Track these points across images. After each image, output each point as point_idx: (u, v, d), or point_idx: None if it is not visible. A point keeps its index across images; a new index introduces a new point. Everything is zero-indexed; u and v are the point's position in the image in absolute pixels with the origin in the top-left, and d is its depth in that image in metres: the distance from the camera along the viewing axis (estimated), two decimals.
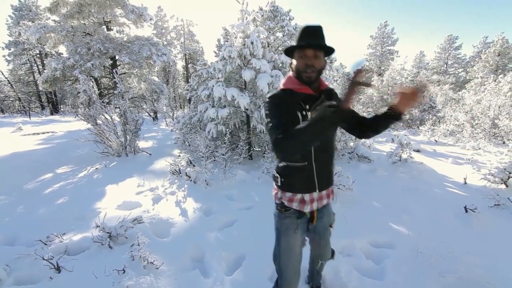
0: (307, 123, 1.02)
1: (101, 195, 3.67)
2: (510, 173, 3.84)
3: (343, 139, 5.72)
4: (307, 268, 1.88)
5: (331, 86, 1.33)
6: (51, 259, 2.01)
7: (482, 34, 37.18)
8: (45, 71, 13.93)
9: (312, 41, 1.13)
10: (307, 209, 1.31)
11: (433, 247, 2.22)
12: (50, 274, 1.96)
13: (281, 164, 1.32)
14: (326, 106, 0.98)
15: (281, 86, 1.26)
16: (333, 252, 1.74)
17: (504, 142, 8.09)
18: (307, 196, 1.29)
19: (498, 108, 9.25)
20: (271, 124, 1.14)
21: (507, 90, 16.92)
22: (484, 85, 19.53)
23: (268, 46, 5.95)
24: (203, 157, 4.39)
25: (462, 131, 9.25)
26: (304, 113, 1.17)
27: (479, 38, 32.62)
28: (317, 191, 1.29)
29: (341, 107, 0.96)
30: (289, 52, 1.22)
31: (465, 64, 31.30)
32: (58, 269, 1.98)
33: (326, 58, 1.24)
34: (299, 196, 1.30)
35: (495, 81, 18.14)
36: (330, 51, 1.18)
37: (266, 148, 5.45)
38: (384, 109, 1.18)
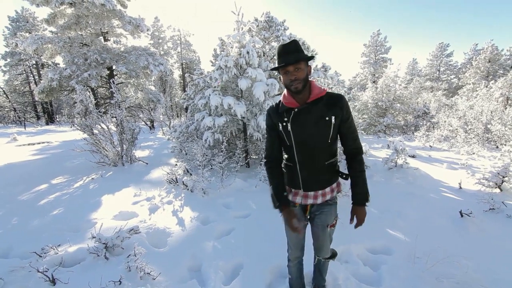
0: (270, 182, 1.50)
1: (97, 206, 3.64)
2: (503, 177, 3.89)
3: (339, 145, 5.75)
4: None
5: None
6: (46, 271, 1.98)
7: (472, 42, 38.11)
8: (41, 81, 13.95)
9: (289, 58, 1.27)
10: (299, 201, 1.51)
11: (430, 252, 2.23)
12: (45, 286, 1.93)
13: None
14: (276, 203, 1.45)
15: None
16: (334, 254, 1.77)
17: (497, 147, 8.21)
18: (293, 190, 1.53)
19: (490, 113, 9.42)
20: (266, 142, 1.55)
21: (499, 95, 17.28)
22: (476, 91, 19.93)
23: (263, 56, 6.05)
24: (200, 165, 4.39)
25: (456, 136, 9.37)
26: (284, 124, 1.38)
27: (470, 46, 33.43)
28: (302, 190, 1.48)
29: (282, 210, 1.44)
30: (276, 70, 1.40)
31: (457, 70, 31.99)
32: (53, 281, 1.95)
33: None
34: (291, 189, 1.55)
35: (486, 87, 18.53)
36: (309, 58, 1.33)
37: (263, 156, 5.47)
38: (353, 195, 1.46)
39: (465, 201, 3.61)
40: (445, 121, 10.90)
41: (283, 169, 1.55)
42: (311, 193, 1.47)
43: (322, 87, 1.39)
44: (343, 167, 1.51)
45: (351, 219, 1.48)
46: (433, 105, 15.21)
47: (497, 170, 3.94)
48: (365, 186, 1.43)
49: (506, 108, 11.99)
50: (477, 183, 4.07)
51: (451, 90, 30.05)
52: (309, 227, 1.66)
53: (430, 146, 9.02)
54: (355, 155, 1.44)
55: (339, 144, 1.47)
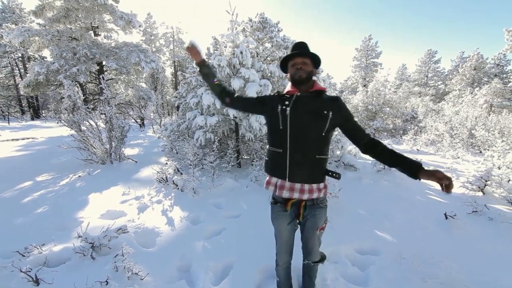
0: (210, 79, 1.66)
1: (83, 204, 3.55)
2: (486, 181, 4.04)
3: (330, 147, 5.83)
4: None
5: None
6: (29, 271, 1.92)
7: (459, 50, 39.34)
8: (27, 75, 13.51)
9: (299, 51, 1.46)
10: (285, 195, 1.49)
11: (416, 253, 2.29)
12: (28, 287, 1.87)
13: (267, 147, 1.58)
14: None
15: None
16: (323, 257, 1.80)
17: (480, 152, 8.50)
18: (279, 182, 1.51)
19: (474, 119, 9.76)
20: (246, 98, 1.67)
21: (483, 102, 17.91)
22: (462, 97, 20.60)
23: (257, 56, 6.06)
24: (191, 165, 4.35)
25: (442, 140, 9.65)
26: (283, 107, 1.43)
27: (457, 53, 34.50)
28: (287, 180, 1.47)
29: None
30: (284, 65, 1.55)
31: (444, 77, 32.96)
32: (36, 281, 1.89)
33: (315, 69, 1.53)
34: (274, 180, 1.54)
35: (471, 93, 19.18)
36: (317, 61, 1.49)
37: (255, 156, 5.48)
38: (410, 165, 1.31)
39: (450, 203, 3.73)
40: (432, 126, 11.21)
41: (266, 158, 1.58)
42: (298, 186, 1.46)
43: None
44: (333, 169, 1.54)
45: (441, 184, 1.22)
46: (420, 110, 15.61)
47: (480, 174, 4.09)
48: (404, 155, 1.36)
49: (489, 114, 12.46)
50: (461, 187, 4.20)
51: (438, 96, 30.94)
52: (298, 232, 1.68)
53: (417, 149, 9.25)
54: (373, 141, 1.43)
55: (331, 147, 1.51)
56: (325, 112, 1.38)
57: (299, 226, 1.66)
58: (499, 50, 26.28)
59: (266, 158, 1.58)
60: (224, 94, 1.65)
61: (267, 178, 1.59)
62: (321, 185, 1.51)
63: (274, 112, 1.45)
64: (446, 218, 3.12)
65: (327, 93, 1.51)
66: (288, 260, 1.74)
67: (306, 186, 1.46)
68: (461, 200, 3.69)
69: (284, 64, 1.54)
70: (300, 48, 1.46)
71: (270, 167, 1.55)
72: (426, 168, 1.26)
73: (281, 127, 1.43)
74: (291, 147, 1.41)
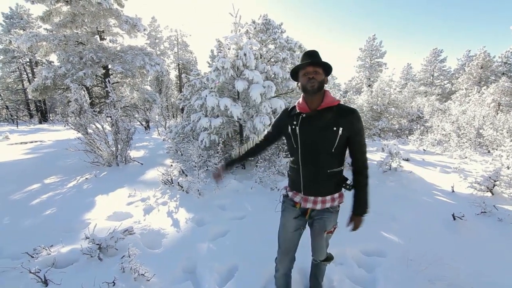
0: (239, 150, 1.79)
1: (90, 206, 3.59)
2: (495, 181, 3.97)
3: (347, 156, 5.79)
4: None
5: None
6: (38, 272, 1.95)
7: (465, 48, 38.84)
8: (35, 79, 13.77)
9: (311, 60, 1.40)
10: (297, 200, 1.55)
11: (423, 255, 2.26)
12: (37, 287, 1.90)
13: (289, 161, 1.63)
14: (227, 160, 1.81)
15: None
16: (330, 257, 1.78)
17: (489, 151, 8.36)
18: (294, 192, 1.58)
19: (482, 118, 9.60)
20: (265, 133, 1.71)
21: (490, 101, 17.63)
22: (469, 96, 20.31)
23: (260, 58, 6.07)
24: (195, 166, 4.37)
25: (449, 140, 9.52)
26: (293, 127, 1.46)
27: (463, 52, 34.05)
28: (302, 193, 1.52)
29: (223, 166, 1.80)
30: (295, 75, 1.51)
31: (450, 76, 32.56)
32: (45, 282, 1.92)
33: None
34: (292, 190, 1.60)
35: (478, 92, 18.90)
36: (328, 69, 1.44)
37: (259, 157, 5.48)
38: (354, 205, 1.54)
39: (458, 204, 3.67)
40: (438, 126, 11.06)
41: (288, 172, 1.63)
42: (311, 198, 1.50)
43: (336, 98, 1.45)
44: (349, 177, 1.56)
45: (348, 224, 1.56)
46: (426, 110, 15.43)
47: (489, 174, 4.02)
48: (366, 199, 1.50)
49: (497, 113, 12.24)
50: (469, 187, 4.13)
51: (445, 95, 30.55)
52: (306, 231, 1.68)
53: (424, 150, 9.14)
54: (363, 169, 1.48)
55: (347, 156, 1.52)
56: (335, 128, 1.37)
57: (303, 229, 1.66)
58: (506, 48, 25.83)
59: (288, 171, 1.63)
60: (258, 150, 1.74)
61: (288, 187, 1.65)
62: (336, 195, 1.53)
63: (287, 133, 1.51)
64: (454, 219, 3.08)
65: (343, 104, 1.47)
66: (288, 266, 1.71)
67: (319, 198, 1.50)
68: (469, 200, 3.63)
69: (295, 73, 1.51)
70: (312, 57, 1.43)
71: (290, 183, 1.62)
72: (357, 217, 1.54)
73: (294, 146, 1.47)
74: (303, 164, 1.45)
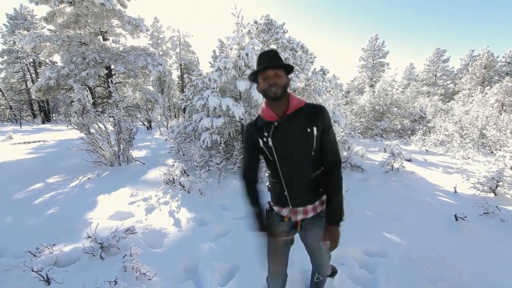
0: (251, 201, 1.42)
1: (93, 205, 3.61)
2: (498, 182, 3.94)
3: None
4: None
5: (321, 99, 1.37)
6: (41, 271, 1.97)
7: (469, 48, 38.62)
8: (38, 79, 13.88)
9: (270, 63, 1.24)
10: (284, 213, 1.41)
11: (425, 255, 2.25)
12: (39, 286, 1.91)
13: (266, 175, 1.49)
14: (261, 224, 1.41)
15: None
16: (334, 272, 1.71)
17: (492, 152, 8.30)
18: (281, 208, 1.43)
19: (485, 118, 9.53)
20: (243, 159, 1.49)
21: (494, 101, 17.50)
22: (472, 96, 20.16)
23: None
24: (197, 166, 4.38)
25: (451, 141, 9.46)
26: (264, 139, 1.30)
27: (466, 52, 33.85)
28: (290, 207, 1.38)
29: (269, 233, 1.41)
30: (254, 78, 1.34)
31: (453, 76, 32.37)
32: (47, 281, 1.94)
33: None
34: (279, 206, 1.44)
35: (482, 92, 18.77)
36: (289, 68, 1.30)
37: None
38: (328, 214, 1.34)
39: (460, 205, 3.65)
40: (441, 126, 11.00)
41: (268, 185, 1.49)
42: (300, 209, 1.38)
43: (301, 99, 1.32)
44: None
45: (324, 239, 1.33)
46: (429, 110, 15.35)
47: (492, 175, 3.99)
48: (340, 204, 1.33)
49: (501, 113, 12.15)
50: (472, 188, 4.11)
51: (447, 95, 30.38)
52: (301, 245, 1.56)
53: (426, 150, 9.09)
54: (333, 169, 1.34)
55: None
56: (309, 130, 1.25)
57: (292, 244, 1.53)
58: (510, 48, 25.65)
59: (269, 186, 1.49)
60: (255, 181, 1.47)
61: (273, 203, 1.48)
62: (324, 197, 1.40)
63: (259, 147, 1.35)
64: (456, 219, 3.06)
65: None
66: (281, 285, 1.58)
67: (310, 206, 1.38)
68: (472, 201, 3.61)
69: (253, 76, 1.34)
70: (271, 59, 1.26)
71: (273, 198, 1.47)
72: (332, 226, 1.31)
73: (270, 159, 1.33)
74: (284, 176, 1.32)
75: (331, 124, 1.32)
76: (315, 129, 1.26)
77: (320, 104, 1.32)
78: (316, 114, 1.28)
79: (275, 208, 1.45)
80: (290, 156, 1.29)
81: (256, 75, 1.31)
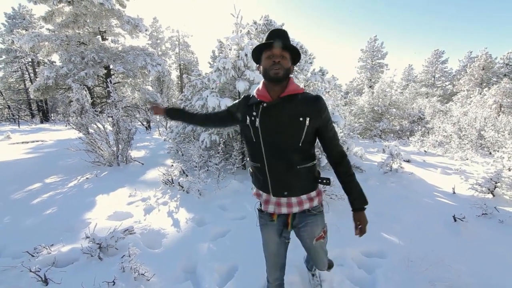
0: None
1: (91, 206, 3.60)
2: (496, 183, 3.95)
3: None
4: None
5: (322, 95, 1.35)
6: (39, 271, 1.95)
7: (467, 49, 38.80)
8: (37, 79, 13.83)
9: (279, 41, 1.18)
10: (271, 210, 1.36)
11: (424, 256, 2.25)
12: (37, 286, 1.90)
13: (248, 159, 1.44)
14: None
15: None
16: (330, 265, 1.70)
17: (490, 153, 8.34)
18: (264, 195, 1.39)
19: (483, 120, 9.58)
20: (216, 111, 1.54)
21: (492, 102, 17.58)
22: (470, 97, 20.26)
23: None
24: (196, 167, 4.38)
25: (450, 142, 9.50)
26: (252, 118, 1.26)
27: (464, 53, 34.00)
28: (271, 194, 1.33)
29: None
30: (257, 54, 1.27)
31: (452, 77, 32.52)
32: (45, 281, 1.93)
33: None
34: (260, 192, 1.41)
35: (480, 94, 18.85)
36: (296, 56, 1.25)
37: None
38: (352, 201, 1.34)
39: (459, 206, 3.66)
40: (439, 127, 11.05)
41: (250, 170, 1.46)
42: (284, 200, 1.33)
43: (300, 87, 1.27)
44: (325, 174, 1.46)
45: (356, 228, 1.34)
46: (428, 111, 15.41)
47: (490, 176, 4.01)
48: (360, 189, 1.31)
49: (499, 115, 12.21)
50: (470, 189, 4.12)
51: (446, 97, 30.50)
52: (293, 238, 1.53)
53: (425, 151, 9.12)
54: (340, 159, 1.30)
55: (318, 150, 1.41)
56: (301, 119, 1.19)
57: (288, 240, 1.50)
58: (508, 49, 25.79)
59: (251, 170, 1.44)
60: (204, 120, 1.63)
61: (255, 189, 1.45)
62: (312, 194, 1.36)
63: (244, 125, 1.29)
64: (455, 220, 3.07)
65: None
66: (279, 276, 1.56)
67: (294, 199, 1.32)
68: (470, 202, 3.62)
69: (257, 53, 1.26)
70: (280, 37, 1.18)
71: (254, 181, 1.42)
72: (359, 213, 1.32)
73: (254, 140, 1.26)
74: (268, 161, 1.26)
75: (330, 115, 1.29)
76: (307, 119, 1.20)
77: (317, 94, 1.27)
78: (311, 105, 1.22)
79: (262, 205, 1.40)
80: (275, 141, 1.23)
81: (260, 54, 1.24)
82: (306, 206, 1.35)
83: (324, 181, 1.35)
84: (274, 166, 1.26)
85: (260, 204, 1.44)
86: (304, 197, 1.33)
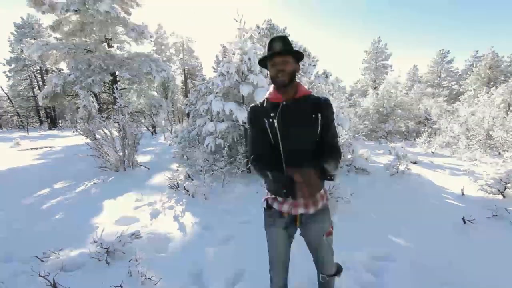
0: (264, 174, 1.28)
1: (98, 210, 3.64)
2: (506, 183, 3.87)
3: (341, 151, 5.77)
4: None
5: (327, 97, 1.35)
6: (47, 275, 1.98)
7: (473, 48, 38.33)
8: (45, 87, 14.11)
9: (278, 49, 1.25)
10: (285, 210, 1.36)
11: (433, 259, 2.22)
12: None
13: None
14: (281, 179, 1.23)
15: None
16: (339, 269, 1.66)
17: (499, 153, 8.17)
18: (279, 199, 1.37)
19: (492, 119, 9.40)
20: (248, 140, 1.43)
21: (500, 102, 17.26)
22: (477, 97, 19.93)
23: None
24: (201, 171, 4.40)
25: (458, 142, 9.35)
26: (270, 120, 1.29)
27: (470, 52, 33.56)
28: (292, 198, 1.30)
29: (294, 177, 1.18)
30: (264, 64, 1.36)
31: (458, 77, 32.07)
32: (54, 285, 1.95)
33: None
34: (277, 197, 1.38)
35: (487, 93, 18.54)
36: (299, 56, 1.31)
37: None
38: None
39: (468, 207, 3.59)
40: (446, 127, 10.89)
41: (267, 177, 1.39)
42: (301, 200, 1.32)
43: (308, 89, 1.35)
44: None
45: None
46: (434, 111, 15.22)
47: (500, 176, 3.93)
48: (334, 166, 1.25)
49: (507, 114, 11.97)
50: (480, 190, 4.05)
51: (452, 97, 30.07)
52: (302, 242, 1.49)
53: (432, 152, 9.00)
54: (332, 147, 1.31)
55: None
56: (314, 116, 1.27)
57: (293, 239, 1.48)
58: None
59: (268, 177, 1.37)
60: (270, 155, 1.35)
61: (269, 195, 1.42)
62: (322, 191, 1.39)
63: (263, 128, 1.32)
64: (464, 222, 3.01)
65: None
66: (284, 277, 1.52)
67: (301, 201, 1.33)
68: (480, 203, 3.56)
69: (263, 61, 1.35)
70: (279, 44, 1.26)
71: (274, 188, 1.36)
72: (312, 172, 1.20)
73: (273, 142, 1.30)
74: (287, 161, 1.29)
75: (334, 118, 1.34)
76: (319, 115, 1.27)
77: (325, 96, 1.35)
78: (320, 104, 1.30)
79: (275, 205, 1.38)
80: (294, 140, 1.28)
81: (266, 61, 1.32)
82: (320, 205, 1.36)
83: (329, 177, 1.29)
84: (294, 166, 1.24)
85: (267, 203, 1.43)
86: (318, 196, 1.36)
